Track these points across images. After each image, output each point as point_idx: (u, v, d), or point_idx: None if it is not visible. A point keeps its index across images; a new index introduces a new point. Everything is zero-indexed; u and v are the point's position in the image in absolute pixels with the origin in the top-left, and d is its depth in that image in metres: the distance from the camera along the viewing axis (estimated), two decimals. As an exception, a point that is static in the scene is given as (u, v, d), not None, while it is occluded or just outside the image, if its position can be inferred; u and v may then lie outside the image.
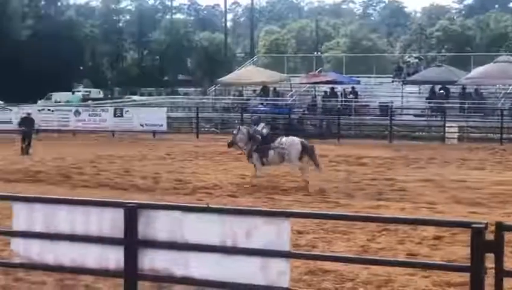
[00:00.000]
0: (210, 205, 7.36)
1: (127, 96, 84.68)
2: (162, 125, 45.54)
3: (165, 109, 48.97)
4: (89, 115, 47.06)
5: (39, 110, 47.80)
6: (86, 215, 7.32)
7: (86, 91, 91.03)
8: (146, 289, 8.52)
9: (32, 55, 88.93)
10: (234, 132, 23.66)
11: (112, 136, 45.01)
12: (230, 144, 23.64)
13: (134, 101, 68.70)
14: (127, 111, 47.07)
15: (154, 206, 7.52)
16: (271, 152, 22.07)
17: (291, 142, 21.99)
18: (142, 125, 45.51)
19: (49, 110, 49.29)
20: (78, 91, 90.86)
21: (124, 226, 7.07)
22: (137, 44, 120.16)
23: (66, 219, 7.37)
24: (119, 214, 7.12)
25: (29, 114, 36.07)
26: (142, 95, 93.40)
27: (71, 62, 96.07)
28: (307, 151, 21.88)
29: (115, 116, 46.20)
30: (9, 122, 45.98)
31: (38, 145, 36.14)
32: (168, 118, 47.18)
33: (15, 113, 45.89)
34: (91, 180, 23.75)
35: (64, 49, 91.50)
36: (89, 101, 67.51)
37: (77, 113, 47.29)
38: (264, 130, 22.99)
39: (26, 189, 20.79)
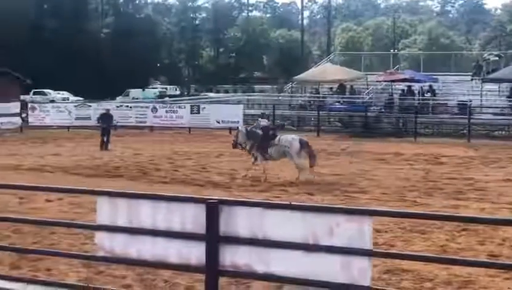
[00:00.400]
0: (292, 203, 7.35)
1: (203, 94, 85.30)
2: (238, 122, 45.71)
3: (242, 106, 49.15)
4: (166, 112, 47.58)
5: (117, 107, 48.54)
6: (168, 211, 7.38)
7: (163, 88, 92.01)
8: (224, 285, 8.57)
9: (110, 53, 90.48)
10: (235, 134, 25.17)
11: (188, 132, 45.41)
12: (234, 145, 24.95)
13: (210, 98, 69.13)
14: (204, 108, 47.44)
15: (235, 202, 7.55)
16: (271, 149, 23.44)
17: (291, 141, 23.32)
18: (218, 122, 45.79)
19: (127, 106, 50.00)
20: (155, 88, 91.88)
21: (205, 221, 7.12)
22: (213, 41, 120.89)
23: (148, 213, 7.45)
24: (201, 210, 7.16)
25: (108, 110, 36.71)
26: (218, 92, 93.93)
27: (148, 59, 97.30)
28: (304, 147, 23.21)
29: (191, 112, 46.60)
30: (89, 118, 46.88)
31: (117, 141, 36.71)
32: (245, 115, 47.34)
33: (94, 110, 46.81)
34: (168, 176, 24.00)
35: (142, 46, 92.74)
36: (166, 98, 68.27)
37: (154, 109, 47.86)
38: (263, 123, 24.63)
39: (107, 184, 21.12)
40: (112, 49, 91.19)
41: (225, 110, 47.33)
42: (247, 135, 24.25)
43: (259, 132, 24.01)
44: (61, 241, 13.34)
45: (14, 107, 48.56)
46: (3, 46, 55.40)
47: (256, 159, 23.84)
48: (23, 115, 49.05)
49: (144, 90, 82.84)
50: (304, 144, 23.31)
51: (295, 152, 23.08)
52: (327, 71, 51.48)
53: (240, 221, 7.14)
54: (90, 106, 49.88)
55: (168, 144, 37.15)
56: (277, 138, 23.63)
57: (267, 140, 23.58)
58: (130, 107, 49.43)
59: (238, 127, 26.13)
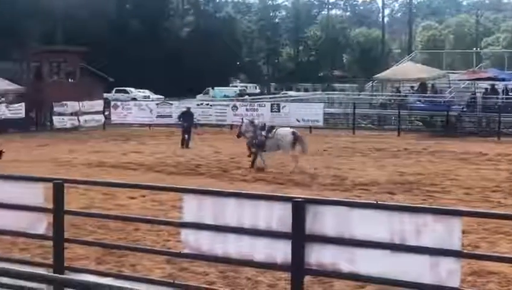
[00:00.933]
0: (378, 202, 7.27)
1: (283, 92, 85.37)
2: (318, 120, 45.65)
3: (322, 104, 49.00)
4: (246, 110, 47.72)
5: (198, 105, 48.96)
6: (254, 209, 7.39)
7: (243, 86, 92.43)
8: (307, 284, 8.54)
9: (191, 52, 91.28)
10: (240, 124, 27.82)
11: (268, 131, 45.42)
12: (239, 135, 27.47)
13: (290, 96, 69.13)
14: (284, 106, 47.46)
15: (321, 201, 7.53)
16: (268, 142, 25.42)
17: (285, 133, 25.44)
18: (298, 121, 45.72)
19: (207, 104, 50.37)
20: (235, 86, 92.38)
21: (291, 220, 7.10)
22: (293, 40, 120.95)
23: (234, 211, 7.48)
24: (286, 209, 7.16)
25: (188, 108, 37.01)
26: (298, 90, 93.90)
27: (228, 58, 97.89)
28: (298, 140, 25.14)
29: (271, 111, 46.66)
30: (170, 116, 47.42)
31: (197, 139, 37.04)
32: (325, 113, 47.20)
33: (175, 108, 47.27)
34: (248, 174, 24.08)
35: (222, 45, 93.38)
36: (246, 96, 68.55)
37: (235, 108, 48.09)
38: (256, 121, 27.39)
39: (188, 182, 21.34)
40: (192, 48, 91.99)
41: (305, 109, 47.25)
42: (251, 125, 26.50)
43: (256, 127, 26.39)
44: (145, 238, 13.52)
45: (98, 105, 49.47)
46: (87, 46, 56.41)
47: (255, 154, 25.91)
48: (106, 113, 49.89)
49: (213, 88, 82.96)
50: (296, 137, 25.19)
51: (288, 144, 24.98)
52: (408, 70, 50.91)
53: (325, 220, 7.10)
54: (171, 104, 50.41)
55: (248, 142, 37.28)
56: (272, 132, 25.63)
57: (266, 132, 25.67)
58: (211, 106, 49.79)
59: (242, 119, 29.36)
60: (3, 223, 9.05)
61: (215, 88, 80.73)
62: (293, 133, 25.29)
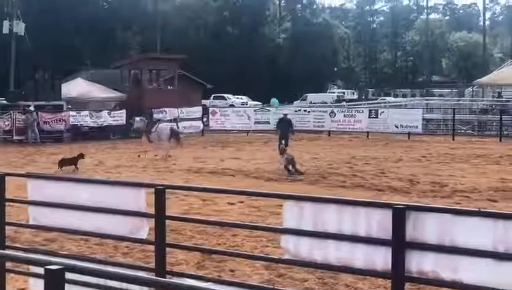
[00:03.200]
0: (481, 209, 7.13)
1: (380, 98, 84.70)
2: (417, 126, 45.09)
3: (420, 110, 48.39)
4: (344, 116, 47.57)
5: (296, 111, 49.03)
6: (354, 215, 7.36)
7: (340, 92, 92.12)
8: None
9: (288, 58, 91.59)
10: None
11: (366, 137, 45.20)
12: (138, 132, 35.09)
13: (388, 102, 68.51)
14: (382, 112, 47.07)
15: (423, 208, 7.43)
16: (152, 135, 32.49)
17: (164, 128, 32.71)
18: (396, 127, 45.29)
19: (305, 111, 50.38)
20: (333, 92, 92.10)
21: (392, 227, 7.04)
22: (390, 45, 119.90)
23: (333, 218, 7.46)
24: (387, 215, 7.10)
25: (285, 115, 36.95)
26: (396, 96, 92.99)
27: (326, 63, 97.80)
28: (173, 135, 32.48)
29: (369, 117, 46.35)
30: (267, 122, 47.66)
31: (295, 145, 37.11)
32: (423, 119, 46.59)
33: (273, 114, 47.46)
34: (347, 180, 23.98)
35: (319, 50, 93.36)
36: (343, 102, 68.29)
37: (332, 114, 47.97)
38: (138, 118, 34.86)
39: (286, 188, 21.41)
40: (289, 54, 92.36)
41: (404, 115, 46.73)
42: (141, 122, 34.25)
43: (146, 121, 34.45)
44: (244, 244, 13.63)
45: (196, 111, 50.16)
46: (186, 53, 57.35)
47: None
48: (204, 120, 50.51)
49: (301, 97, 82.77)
50: (173, 132, 32.67)
51: (165, 138, 31.99)
52: (511, 74, 49.80)
53: (426, 227, 7.01)
54: (268, 110, 50.71)
55: (346, 149, 37.16)
56: (155, 126, 32.70)
57: (150, 128, 32.92)
58: (308, 112, 49.79)
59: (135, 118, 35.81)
60: (107, 227, 9.25)
61: (310, 94, 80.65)
62: (171, 129, 32.83)
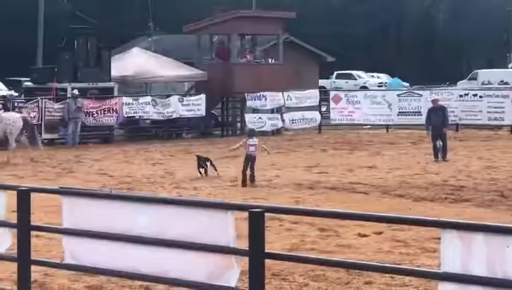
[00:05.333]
0: None
1: None
2: None
3: None
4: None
5: (460, 96, 48.43)
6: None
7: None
8: None
9: (448, 16, 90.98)
10: None
11: None
12: None
13: None
14: None
15: None
16: None
17: (15, 119, 34.14)
18: None
19: (474, 96, 49.65)
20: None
21: None
22: None
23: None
24: None
25: (435, 101, 35.94)
26: None
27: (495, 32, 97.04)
28: (27, 127, 34.22)
29: None
30: (417, 113, 47.26)
31: (459, 147, 36.79)
32: None
33: (425, 101, 47.00)
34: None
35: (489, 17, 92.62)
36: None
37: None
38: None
39: (447, 212, 21.27)
40: (450, 12, 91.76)
41: None
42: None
43: None
44: (383, 295, 13.57)
45: (311, 97, 49.87)
46: (296, 10, 57.47)
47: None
48: (323, 109, 50.35)
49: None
50: (26, 123, 34.29)
51: (17, 130, 33.54)
52: None
53: None
54: (419, 95, 50.21)
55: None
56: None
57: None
58: (480, 97, 49.08)
59: None
60: (176, 269, 9.34)
61: (483, 71, 79.63)
62: (23, 118, 34.53)
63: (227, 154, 33.87)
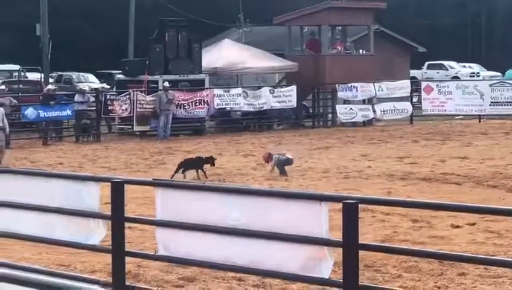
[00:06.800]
0: None
1: None
2: None
3: None
4: None
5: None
6: None
7: None
8: None
9: None
10: None
11: None
12: None
13: None
14: None
15: None
16: None
17: None
18: None
19: None
20: None
21: None
22: None
23: None
24: None
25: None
26: None
27: None
28: None
29: None
30: (510, 103, 46.85)
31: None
32: None
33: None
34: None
35: None
36: None
37: None
38: None
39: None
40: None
41: None
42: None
43: None
44: (477, 287, 13.46)
45: (402, 87, 49.63)
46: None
47: None
48: (414, 100, 50.09)
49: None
50: None
51: None
52: None
53: None
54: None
55: None
56: None
57: None
58: None
59: None
60: (268, 260, 9.34)
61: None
62: None
63: (319, 145, 33.87)
